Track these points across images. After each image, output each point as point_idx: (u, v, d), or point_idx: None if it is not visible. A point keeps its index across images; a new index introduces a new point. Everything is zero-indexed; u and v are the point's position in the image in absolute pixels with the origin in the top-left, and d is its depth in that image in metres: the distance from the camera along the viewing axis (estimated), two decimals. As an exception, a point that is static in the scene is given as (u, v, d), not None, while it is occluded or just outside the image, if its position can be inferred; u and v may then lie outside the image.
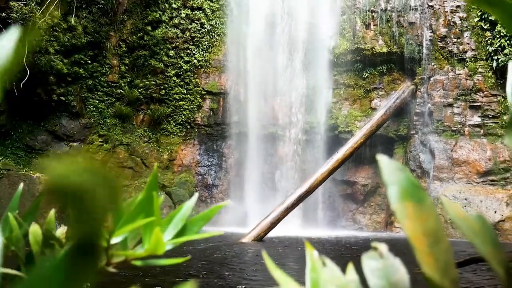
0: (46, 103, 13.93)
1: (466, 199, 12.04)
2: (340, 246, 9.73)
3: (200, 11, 15.47)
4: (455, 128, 13.24)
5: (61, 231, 0.81)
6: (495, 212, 11.65)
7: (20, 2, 11.73)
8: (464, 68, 13.36)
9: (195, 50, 15.40)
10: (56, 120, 14.33)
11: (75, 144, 14.43)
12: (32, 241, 0.76)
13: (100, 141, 14.51)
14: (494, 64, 12.87)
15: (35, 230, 0.79)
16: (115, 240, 0.56)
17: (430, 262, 0.33)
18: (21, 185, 0.96)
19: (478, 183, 12.60)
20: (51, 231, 0.78)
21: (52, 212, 0.83)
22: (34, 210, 0.84)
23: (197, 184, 15.30)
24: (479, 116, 13.15)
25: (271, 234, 10.73)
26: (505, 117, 12.94)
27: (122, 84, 15.10)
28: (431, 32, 13.68)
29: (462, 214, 0.37)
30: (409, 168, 13.60)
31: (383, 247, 0.38)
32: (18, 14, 11.62)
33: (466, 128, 13.17)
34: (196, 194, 0.70)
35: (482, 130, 13.09)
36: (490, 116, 13.06)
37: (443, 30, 13.57)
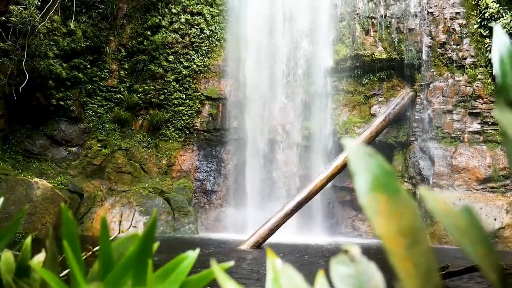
0: (45, 108, 13.89)
1: (466, 206, 11.97)
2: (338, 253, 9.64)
3: (200, 17, 15.46)
4: (454, 135, 13.18)
5: (38, 259, 0.70)
6: (495, 219, 11.57)
7: (19, 6, 11.72)
8: (463, 74, 13.33)
9: (195, 55, 15.38)
10: (55, 124, 14.28)
11: (73, 148, 14.37)
12: (3, 270, 0.64)
13: (98, 146, 14.44)
14: (494, 71, 12.82)
15: (7, 257, 0.66)
16: None
17: (408, 268, 0.27)
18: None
19: (478, 190, 12.52)
20: (26, 260, 0.68)
21: (28, 239, 0.71)
22: (12, 230, 0.73)
23: (196, 190, 15.21)
24: (478, 123, 13.10)
25: (270, 240, 10.64)
26: (505, 124, 12.89)
27: (121, 89, 15.07)
28: (430, 39, 13.67)
29: (445, 207, 0.31)
30: (408, 175, 13.52)
31: (355, 250, 0.32)
32: (17, 18, 11.61)
33: (466, 135, 13.12)
34: (197, 250, 0.62)
35: (481, 137, 13.03)
36: (490, 123, 13.00)
37: (442, 37, 13.55)
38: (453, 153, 12.98)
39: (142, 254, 0.52)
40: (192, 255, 0.58)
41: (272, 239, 10.71)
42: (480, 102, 13.13)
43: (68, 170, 13.98)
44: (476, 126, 13.09)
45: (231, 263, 0.57)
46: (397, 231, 0.28)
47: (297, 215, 11.94)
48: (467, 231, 0.29)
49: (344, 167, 12.37)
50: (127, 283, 0.52)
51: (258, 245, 10.29)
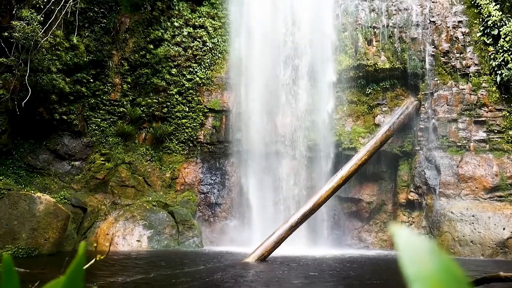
0: (48, 122, 13.87)
1: (473, 216, 11.79)
2: (346, 265, 9.48)
3: (202, 29, 15.50)
4: (460, 144, 13.06)
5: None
6: (504, 229, 11.38)
7: (22, 22, 11.76)
8: (467, 83, 13.25)
9: (197, 68, 15.39)
10: (58, 139, 14.25)
11: (76, 163, 14.32)
12: None
13: (102, 160, 14.38)
14: (498, 78, 12.76)
15: None
16: None
17: None
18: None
19: (486, 199, 12.35)
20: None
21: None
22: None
23: (200, 202, 15.09)
24: (484, 131, 12.99)
25: (275, 253, 10.49)
26: (511, 132, 12.76)
27: (124, 103, 15.06)
28: (433, 48, 13.63)
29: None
30: (414, 185, 13.36)
31: None
32: (20, 34, 11.64)
33: (472, 144, 12.99)
34: None
35: (487, 145, 12.91)
36: (496, 131, 12.89)
37: (445, 46, 13.51)
38: (459, 162, 12.84)
39: None
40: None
41: (278, 252, 10.57)
42: (485, 110, 13.03)
43: (71, 184, 13.92)
44: (481, 134, 12.97)
45: None
46: None
47: (303, 227, 11.79)
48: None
49: (349, 178, 12.26)
50: None
51: (264, 258, 10.14)
